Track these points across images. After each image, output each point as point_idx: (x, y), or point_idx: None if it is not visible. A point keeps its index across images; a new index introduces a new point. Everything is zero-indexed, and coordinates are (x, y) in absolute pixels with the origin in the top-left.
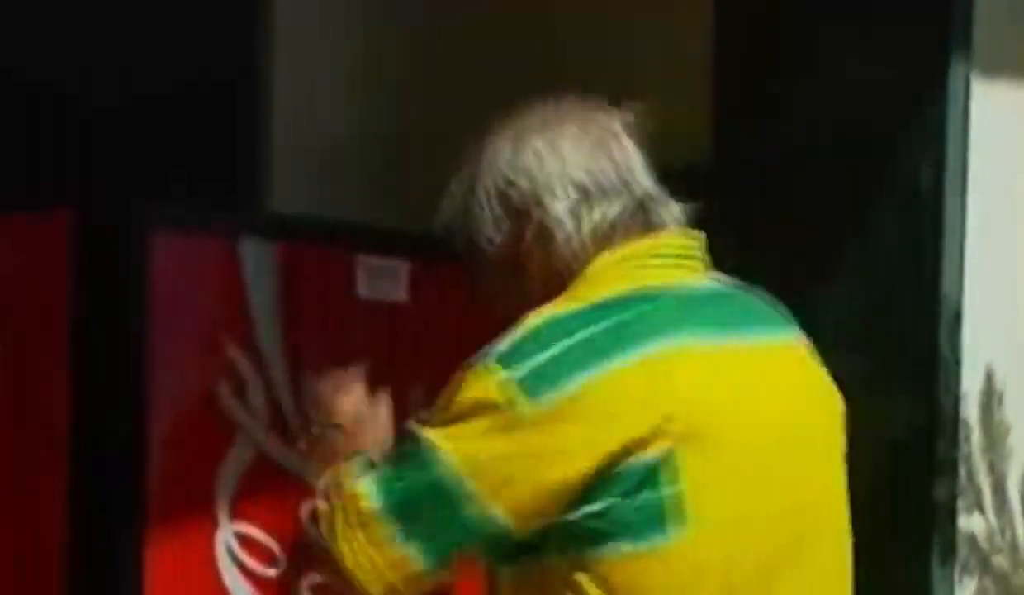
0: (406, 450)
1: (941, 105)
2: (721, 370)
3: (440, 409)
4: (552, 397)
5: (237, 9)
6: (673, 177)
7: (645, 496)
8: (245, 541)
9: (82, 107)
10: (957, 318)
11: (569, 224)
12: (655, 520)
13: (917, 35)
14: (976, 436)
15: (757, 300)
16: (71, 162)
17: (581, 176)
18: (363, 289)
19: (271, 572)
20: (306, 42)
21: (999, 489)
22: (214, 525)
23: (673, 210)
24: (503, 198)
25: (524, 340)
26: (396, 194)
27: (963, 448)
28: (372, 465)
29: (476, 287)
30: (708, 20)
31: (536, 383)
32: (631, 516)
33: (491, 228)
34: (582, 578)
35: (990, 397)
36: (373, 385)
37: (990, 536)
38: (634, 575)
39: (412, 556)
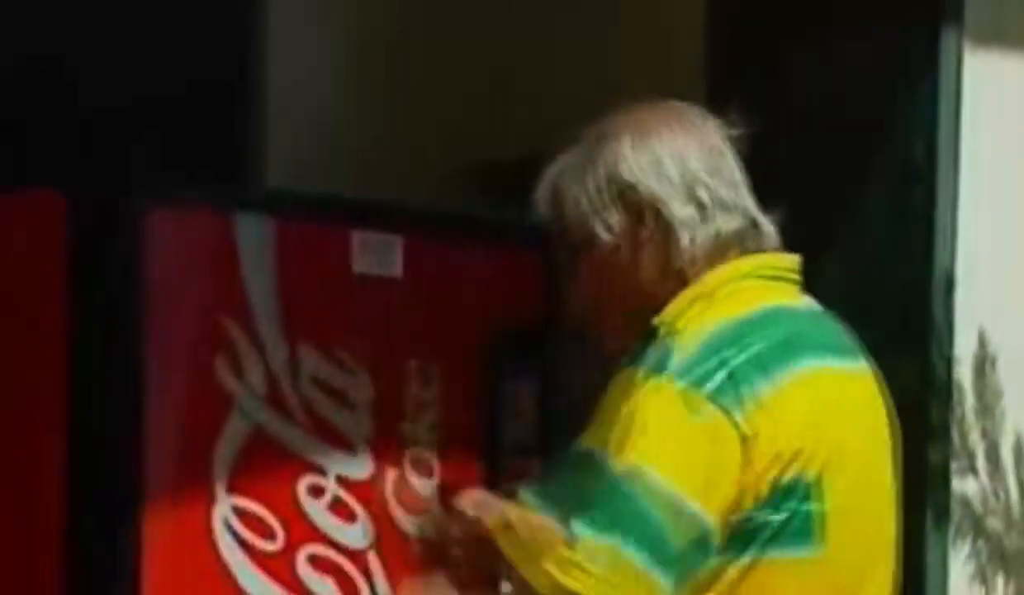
0: (607, 487)
1: (933, 79)
2: (850, 394)
3: (625, 431)
4: (731, 398)
5: None
6: None
7: (794, 508)
8: (243, 515)
9: (76, 86)
10: (950, 285)
11: (690, 231)
12: (799, 533)
13: (909, 10)
14: (969, 400)
15: (840, 326)
16: (66, 141)
17: (703, 188)
18: (358, 264)
19: (269, 545)
20: (301, 18)
21: (992, 452)
22: (212, 499)
23: (772, 233)
24: (624, 194)
25: (684, 352)
26: (390, 169)
27: (957, 412)
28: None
29: (568, 276)
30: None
31: (715, 388)
32: (777, 526)
33: (608, 220)
34: (717, 587)
35: (983, 362)
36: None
37: (984, 498)
38: (765, 586)
39: (650, 571)
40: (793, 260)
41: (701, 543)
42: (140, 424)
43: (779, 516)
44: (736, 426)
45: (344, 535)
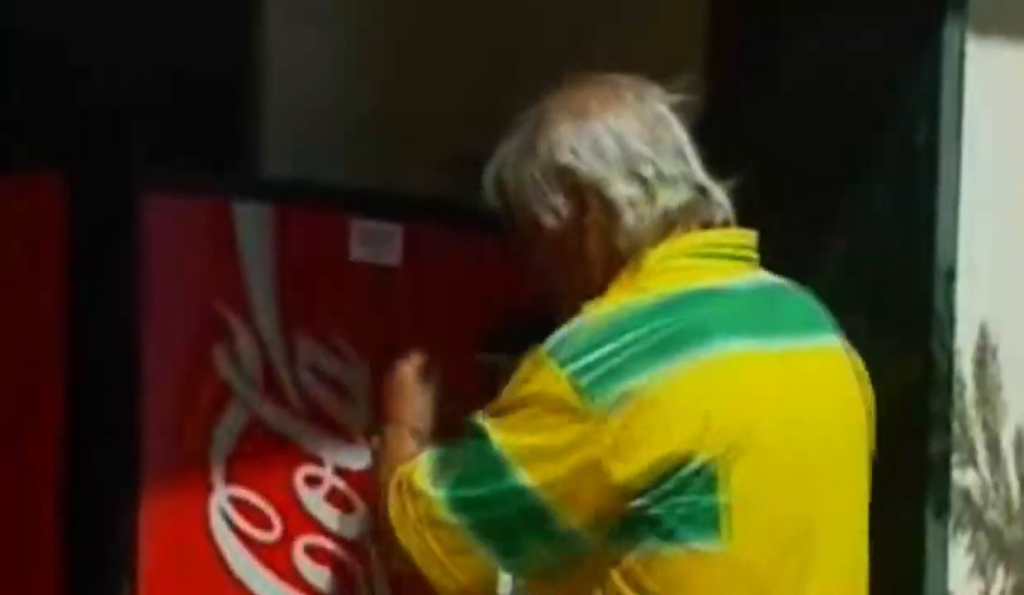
0: (470, 443)
1: (936, 64)
2: (768, 378)
3: (502, 398)
4: (612, 394)
5: None
6: None
7: (692, 500)
8: (239, 505)
9: (75, 71)
10: (951, 274)
11: (634, 210)
12: (700, 525)
13: None
14: (970, 392)
15: (801, 301)
16: (64, 126)
17: (646, 164)
18: (356, 252)
19: (266, 536)
20: (300, 5)
21: (993, 444)
22: (208, 489)
23: (724, 202)
24: (564, 179)
25: (584, 334)
26: (389, 158)
27: (957, 404)
28: (435, 458)
29: (524, 263)
30: None
31: (596, 380)
32: (676, 519)
33: (550, 207)
34: (615, 576)
35: (984, 353)
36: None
37: (984, 491)
38: (669, 578)
39: (489, 555)
40: (740, 235)
41: (530, 519)
42: (137, 412)
43: (676, 508)
44: (596, 412)
45: (342, 525)
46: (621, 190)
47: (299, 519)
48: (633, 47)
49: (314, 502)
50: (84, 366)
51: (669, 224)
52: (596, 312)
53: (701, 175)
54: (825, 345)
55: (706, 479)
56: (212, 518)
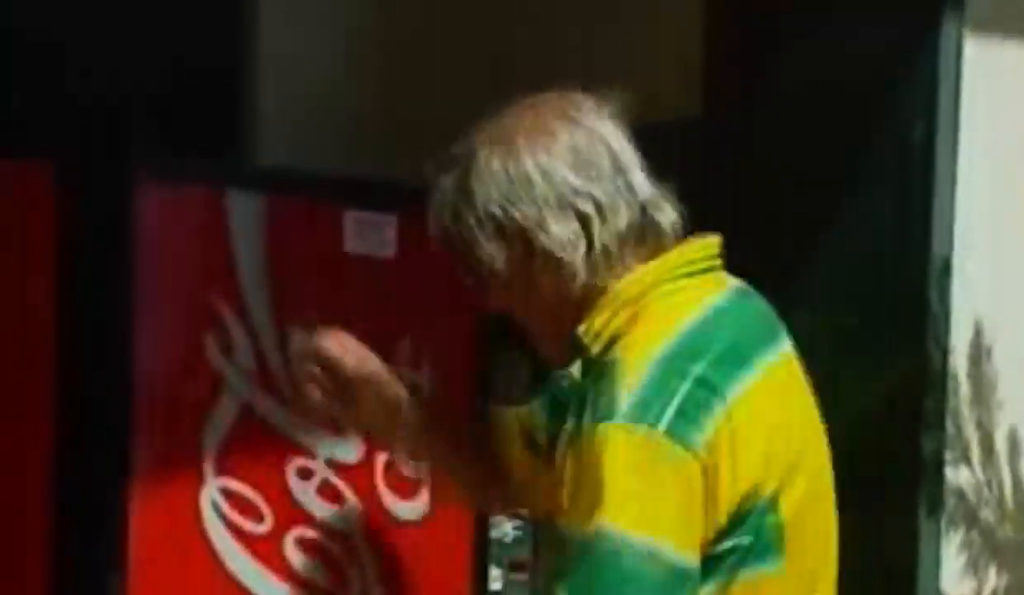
0: (592, 554)
1: (934, 64)
2: (787, 386)
3: (594, 490)
4: (696, 439)
5: None
6: (663, 131)
7: (758, 525)
8: (231, 496)
9: (68, 58)
10: (946, 272)
11: (575, 249)
12: (766, 550)
13: None
14: (964, 390)
15: (764, 307)
16: (57, 114)
17: (582, 197)
18: (350, 243)
19: (257, 528)
20: None
21: (987, 443)
22: (200, 480)
23: (670, 213)
24: (501, 225)
25: (643, 388)
26: (383, 149)
27: (951, 402)
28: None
29: (485, 296)
30: None
31: (679, 429)
32: (746, 548)
33: (492, 252)
34: None
35: (979, 351)
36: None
37: (977, 489)
38: None
39: None
40: (708, 245)
41: (681, 584)
42: (128, 403)
43: (746, 538)
44: (698, 458)
45: (333, 518)
46: (557, 232)
47: (290, 511)
48: (632, 49)
49: (305, 494)
50: (75, 356)
51: (619, 249)
52: (627, 362)
53: (645, 189)
54: (790, 350)
55: (768, 501)
56: (203, 509)
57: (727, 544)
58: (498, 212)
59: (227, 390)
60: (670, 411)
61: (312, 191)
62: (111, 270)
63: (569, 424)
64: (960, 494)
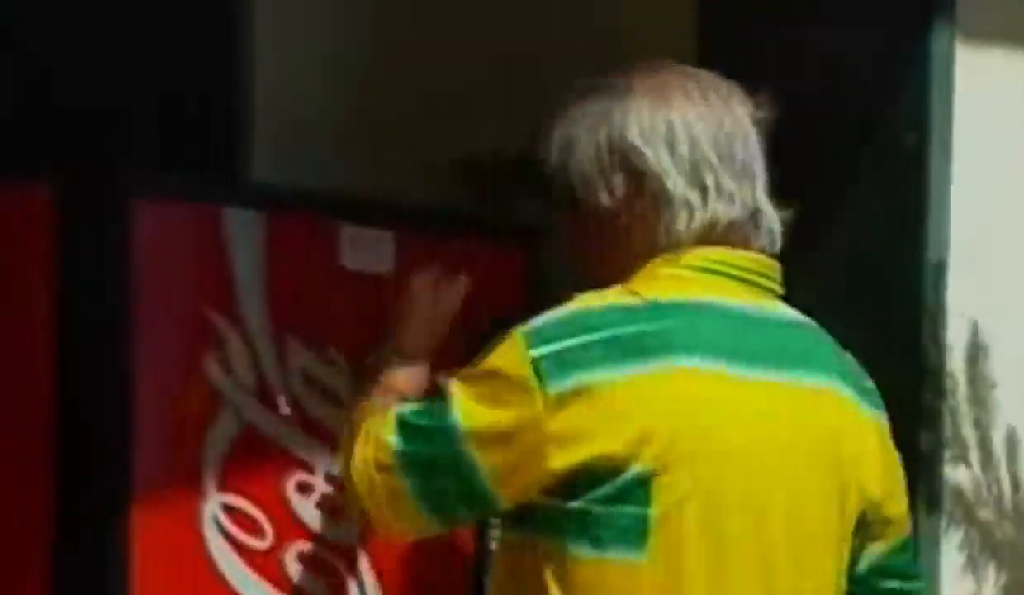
0: (434, 405)
1: (925, 68)
2: (728, 402)
3: (471, 365)
4: (566, 385)
5: None
6: None
7: (621, 509)
8: (232, 512)
9: (64, 77)
10: (942, 272)
11: (686, 213)
12: (628, 536)
13: (902, 1)
14: (962, 389)
15: (812, 339)
16: (53, 133)
17: (709, 173)
18: (347, 259)
19: (258, 543)
20: (288, 11)
21: (984, 442)
22: (201, 496)
23: (775, 230)
24: (629, 158)
25: (559, 322)
26: (375, 165)
27: (949, 401)
28: (403, 414)
29: (564, 239)
30: None
31: (556, 367)
32: (604, 524)
33: (607, 182)
34: (547, 569)
35: (976, 350)
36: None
37: (975, 489)
38: (594, 582)
39: (420, 513)
40: (759, 262)
41: (465, 490)
42: (128, 420)
43: (607, 515)
44: (553, 409)
45: (333, 532)
46: (680, 190)
47: (290, 526)
48: (624, 54)
49: (305, 509)
50: (74, 373)
51: (713, 235)
52: (581, 304)
53: (761, 198)
54: (821, 385)
55: (636, 490)
56: (205, 526)
57: (567, 504)
58: (637, 143)
59: (227, 406)
60: (557, 346)
61: (309, 207)
62: (110, 289)
63: None
64: (958, 494)
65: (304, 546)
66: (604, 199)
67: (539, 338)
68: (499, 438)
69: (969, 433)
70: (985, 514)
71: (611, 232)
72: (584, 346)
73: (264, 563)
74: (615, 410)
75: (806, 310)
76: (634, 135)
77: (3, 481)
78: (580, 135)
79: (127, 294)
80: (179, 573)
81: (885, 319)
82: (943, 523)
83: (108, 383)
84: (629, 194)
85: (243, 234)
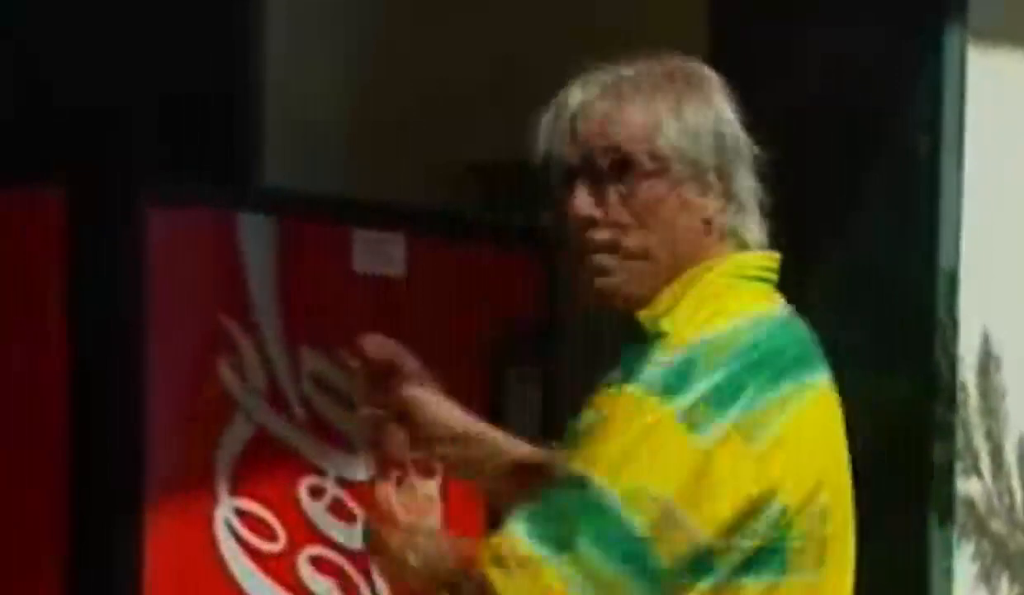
0: (572, 493)
1: (937, 73)
2: (824, 411)
3: (600, 442)
4: (713, 429)
5: None
6: None
7: (771, 533)
8: (244, 516)
9: (78, 84)
10: (953, 282)
11: (741, 205)
12: (771, 560)
13: (913, 9)
14: (973, 400)
15: (808, 334)
16: (67, 139)
17: (748, 169)
18: (359, 263)
19: (270, 547)
20: (300, 17)
21: (996, 453)
22: (213, 500)
23: (760, 226)
24: (716, 143)
25: (676, 365)
26: (388, 168)
27: (961, 412)
28: (535, 516)
29: (619, 209)
30: None
31: (698, 415)
32: (754, 552)
33: (685, 159)
34: None
35: (987, 361)
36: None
37: (987, 500)
38: None
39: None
40: (773, 257)
41: (637, 565)
42: (142, 425)
43: (753, 542)
44: (710, 457)
45: (344, 536)
46: (742, 180)
47: (303, 530)
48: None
49: (317, 513)
50: (88, 379)
51: (727, 239)
52: (683, 346)
53: (753, 197)
54: (826, 382)
55: (787, 514)
56: (217, 529)
57: (737, 542)
58: (721, 130)
59: (239, 411)
60: (690, 396)
61: (321, 212)
62: (123, 294)
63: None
64: (971, 504)
65: (316, 549)
66: (677, 169)
67: (669, 390)
68: (654, 498)
69: (981, 444)
70: (997, 525)
71: (676, 210)
72: (716, 388)
73: (276, 566)
74: (761, 448)
75: (816, 321)
76: (721, 123)
77: (17, 484)
78: (690, 115)
79: (140, 299)
80: (191, 576)
81: (896, 330)
82: (956, 534)
83: (121, 387)
84: (697, 176)
85: (255, 239)
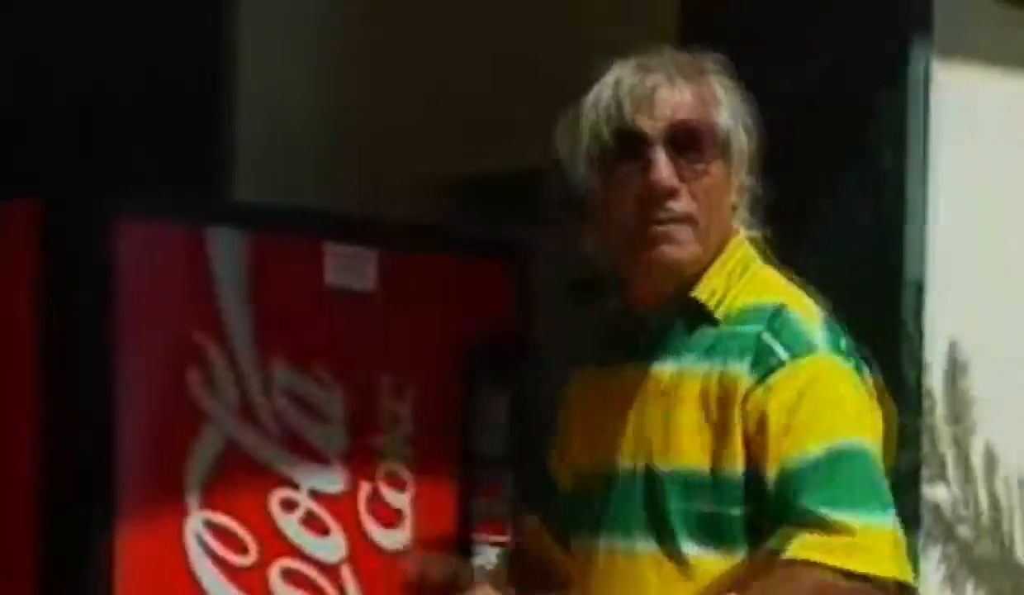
0: (859, 464)
1: (903, 89)
2: None
3: (829, 410)
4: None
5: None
6: None
7: None
8: (215, 529)
9: (48, 98)
10: (920, 292)
11: (737, 208)
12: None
13: (879, 23)
14: (940, 407)
15: None
16: (38, 153)
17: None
18: (331, 278)
19: (242, 560)
20: (272, 32)
21: (962, 459)
22: (184, 513)
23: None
24: (748, 130)
25: (825, 333)
26: (362, 183)
27: (927, 419)
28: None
29: (684, 188)
30: (671, 12)
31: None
32: None
33: (740, 147)
34: None
35: (954, 369)
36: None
37: (954, 505)
38: None
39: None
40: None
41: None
42: (112, 438)
43: None
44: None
45: (317, 549)
46: (747, 176)
47: (275, 543)
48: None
49: (289, 526)
50: (59, 392)
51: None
52: (821, 317)
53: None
54: None
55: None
56: (188, 543)
57: None
58: (751, 121)
59: (210, 424)
60: (851, 357)
61: (293, 226)
62: (95, 307)
63: (729, 370)
64: (937, 510)
65: (288, 562)
66: (735, 155)
67: (834, 350)
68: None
69: (947, 451)
70: (964, 531)
71: (719, 193)
72: (847, 345)
73: (248, 580)
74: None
75: None
76: (746, 123)
77: None
78: (726, 93)
79: (112, 313)
80: (163, 589)
81: (863, 338)
82: (922, 540)
83: (91, 401)
84: (737, 164)
85: (226, 253)
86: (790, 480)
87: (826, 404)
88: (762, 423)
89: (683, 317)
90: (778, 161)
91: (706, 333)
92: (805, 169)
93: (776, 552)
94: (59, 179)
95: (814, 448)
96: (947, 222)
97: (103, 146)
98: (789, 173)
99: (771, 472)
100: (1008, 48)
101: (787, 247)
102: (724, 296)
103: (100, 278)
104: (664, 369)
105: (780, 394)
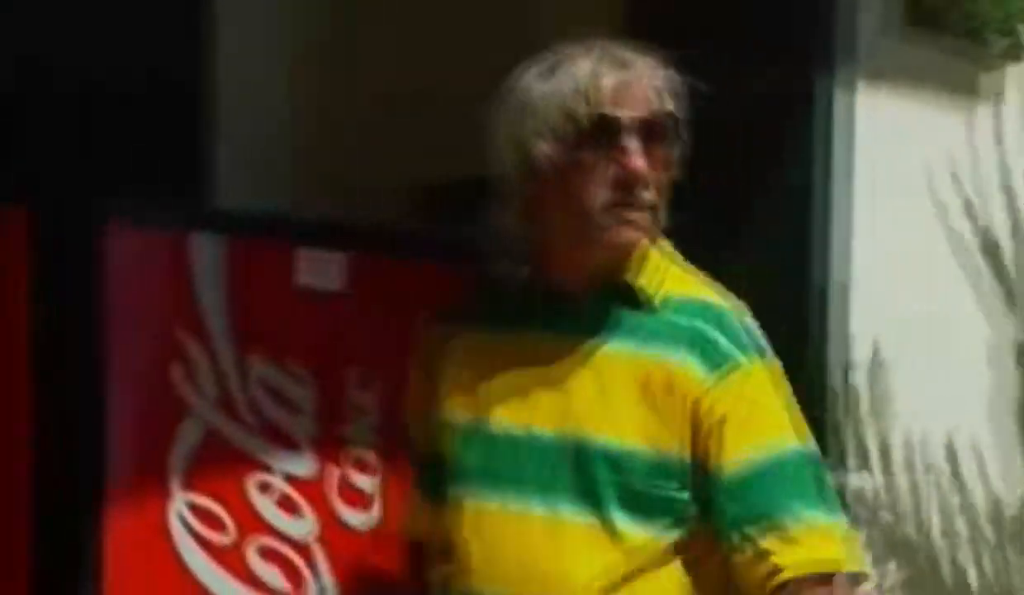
0: (816, 462)
1: (828, 109)
2: None
3: (775, 414)
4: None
5: (179, 3)
6: None
7: None
8: (197, 510)
9: (30, 104)
10: (845, 297)
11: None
12: None
13: (804, 44)
14: (865, 403)
15: None
16: (23, 158)
17: None
18: (303, 279)
19: (221, 538)
20: (249, 37)
21: (884, 451)
22: (168, 496)
23: None
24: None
25: (756, 333)
26: (337, 186)
27: (853, 413)
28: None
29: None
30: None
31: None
32: None
33: (683, 140)
34: None
35: (877, 368)
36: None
37: (876, 493)
38: None
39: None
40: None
41: None
42: (102, 429)
43: None
44: None
45: (291, 528)
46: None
47: (252, 522)
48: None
49: (265, 507)
50: (50, 388)
51: None
52: (739, 309)
53: None
54: None
55: None
56: (172, 523)
57: None
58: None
59: (192, 415)
60: (770, 353)
61: (268, 231)
62: (84, 309)
63: (671, 359)
64: (861, 498)
65: (264, 541)
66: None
67: (769, 352)
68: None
69: (870, 443)
70: (885, 516)
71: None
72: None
73: (227, 557)
74: None
75: None
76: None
77: None
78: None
79: (99, 313)
80: (148, 566)
81: (792, 342)
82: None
83: (82, 394)
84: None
85: (207, 257)
86: (754, 481)
87: (782, 408)
88: (720, 421)
89: (613, 300)
90: (704, 176)
91: (636, 318)
92: (735, 178)
93: (753, 563)
94: (46, 184)
95: (777, 449)
96: (869, 233)
97: (87, 151)
98: (717, 187)
99: (729, 470)
100: (924, 66)
101: (715, 258)
102: (658, 285)
103: (87, 280)
104: (593, 346)
105: (739, 394)
